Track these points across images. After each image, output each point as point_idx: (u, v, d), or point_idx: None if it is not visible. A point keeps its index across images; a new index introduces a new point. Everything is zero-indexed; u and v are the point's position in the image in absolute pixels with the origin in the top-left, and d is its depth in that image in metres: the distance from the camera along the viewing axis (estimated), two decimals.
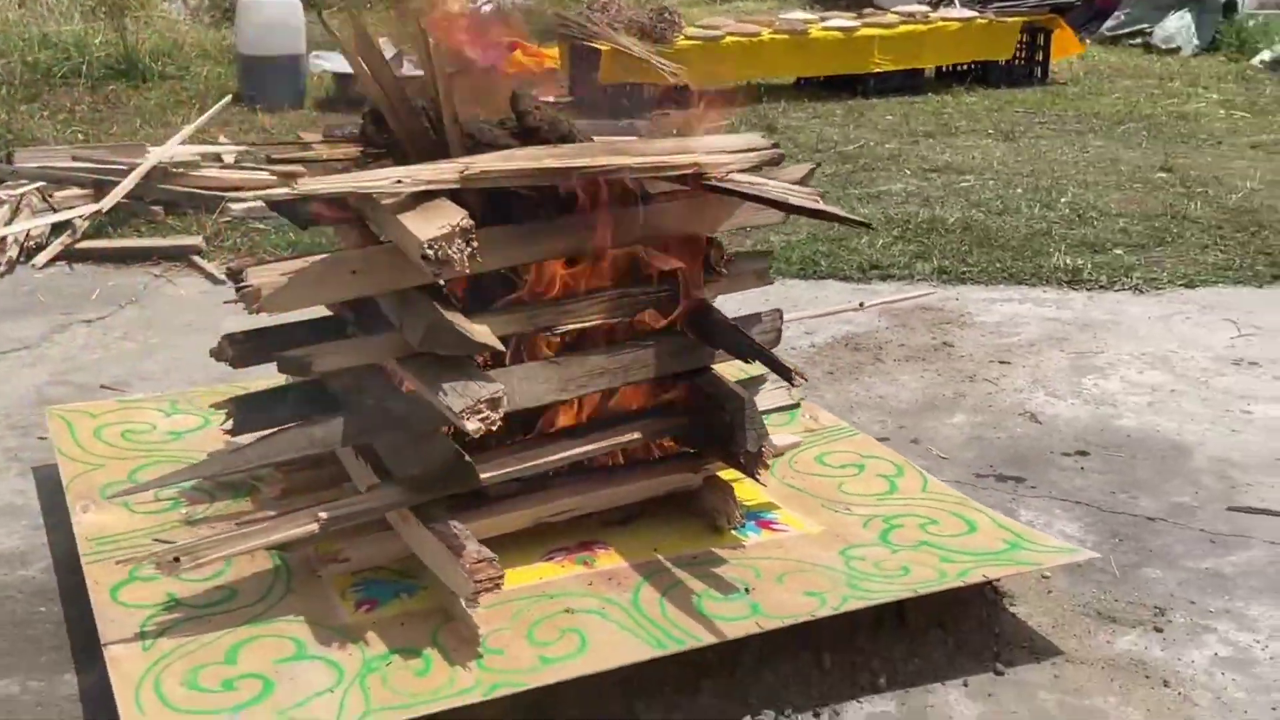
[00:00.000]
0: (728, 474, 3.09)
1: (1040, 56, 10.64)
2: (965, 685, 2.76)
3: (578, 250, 2.83)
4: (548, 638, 2.60)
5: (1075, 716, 2.67)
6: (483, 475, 2.74)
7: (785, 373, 2.75)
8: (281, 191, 2.53)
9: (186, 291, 5.33)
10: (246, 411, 3.11)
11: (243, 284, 2.52)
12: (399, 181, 2.55)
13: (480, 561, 2.50)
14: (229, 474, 2.78)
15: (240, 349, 3.03)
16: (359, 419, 2.68)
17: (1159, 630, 2.99)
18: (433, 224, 2.45)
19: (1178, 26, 12.20)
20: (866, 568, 2.88)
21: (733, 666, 2.71)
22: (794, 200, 2.63)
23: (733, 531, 3.02)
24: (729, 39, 9.21)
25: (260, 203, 6.10)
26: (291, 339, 3.06)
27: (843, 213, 2.70)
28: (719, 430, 2.87)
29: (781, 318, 3.13)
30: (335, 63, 9.41)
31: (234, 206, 6.04)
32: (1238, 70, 11.25)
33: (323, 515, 2.64)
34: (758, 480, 2.93)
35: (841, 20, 9.74)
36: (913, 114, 9.32)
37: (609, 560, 2.90)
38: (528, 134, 2.85)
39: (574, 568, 2.87)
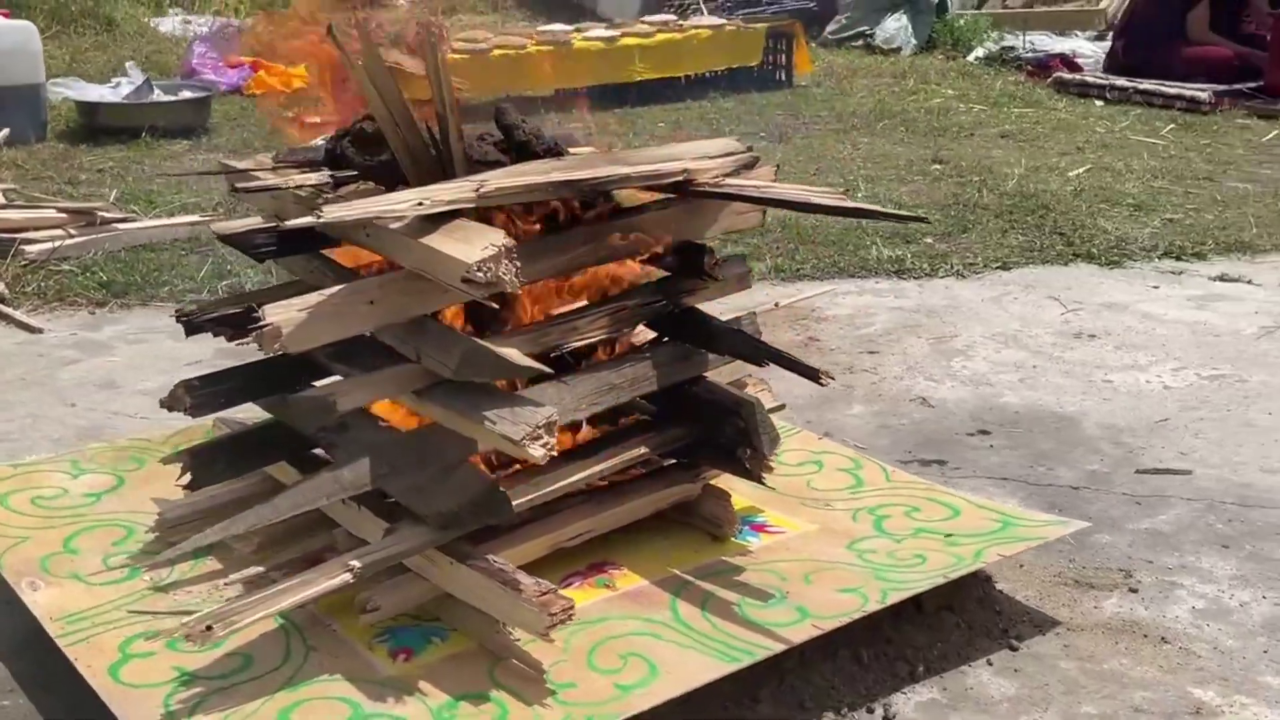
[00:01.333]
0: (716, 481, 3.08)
1: (784, 61, 11.02)
2: (990, 664, 2.83)
3: (580, 265, 2.75)
4: (611, 665, 2.50)
5: (1101, 681, 2.78)
6: None
7: (811, 373, 2.75)
8: (306, 220, 2.35)
9: (2, 343, 4.87)
10: (203, 464, 2.90)
11: (259, 323, 2.33)
12: (420, 204, 2.41)
13: (546, 594, 2.39)
14: (261, 528, 2.55)
15: (198, 396, 2.81)
16: (382, 458, 2.52)
17: (1134, 591, 3.15)
18: (473, 246, 2.33)
19: (896, 28, 12.86)
20: (882, 559, 2.92)
21: (780, 673, 2.69)
22: (818, 200, 2.62)
23: (734, 539, 3.00)
24: (496, 52, 9.14)
25: (58, 244, 5.66)
26: (246, 382, 2.88)
27: (887, 209, 2.72)
28: (728, 436, 2.84)
29: (755, 318, 3.13)
30: (78, 90, 8.81)
31: (28, 249, 5.56)
32: (958, 67, 11.94)
33: (354, 564, 2.47)
34: (763, 483, 2.92)
35: (601, 30, 9.82)
36: (682, 120, 9.48)
37: (629, 580, 2.82)
38: (519, 149, 2.75)
39: (598, 590, 2.78)
